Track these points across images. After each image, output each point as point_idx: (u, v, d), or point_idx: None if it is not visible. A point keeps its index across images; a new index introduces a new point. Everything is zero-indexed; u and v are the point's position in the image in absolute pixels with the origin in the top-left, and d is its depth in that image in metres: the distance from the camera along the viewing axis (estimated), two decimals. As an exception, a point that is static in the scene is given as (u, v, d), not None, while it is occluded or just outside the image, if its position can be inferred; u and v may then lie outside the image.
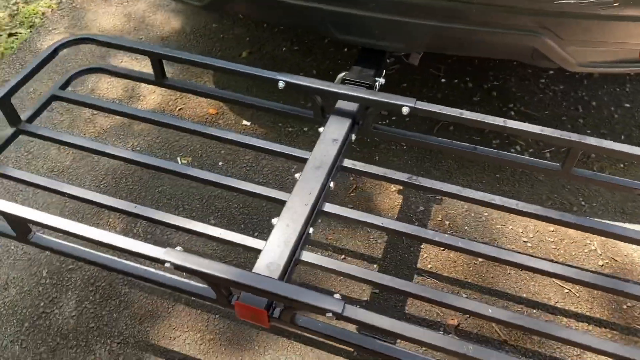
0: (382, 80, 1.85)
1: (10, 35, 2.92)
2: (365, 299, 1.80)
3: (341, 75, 1.84)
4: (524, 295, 1.80)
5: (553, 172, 1.60)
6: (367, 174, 1.62)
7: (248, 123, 2.37)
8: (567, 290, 1.81)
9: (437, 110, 1.57)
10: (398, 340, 1.55)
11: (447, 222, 1.99)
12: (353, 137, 1.71)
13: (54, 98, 1.84)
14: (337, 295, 1.21)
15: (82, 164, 2.22)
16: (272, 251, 1.37)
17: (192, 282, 1.39)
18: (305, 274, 1.86)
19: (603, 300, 1.78)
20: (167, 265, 1.27)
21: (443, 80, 2.50)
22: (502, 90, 2.44)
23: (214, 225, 1.91)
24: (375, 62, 1.87)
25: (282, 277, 1.33)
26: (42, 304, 1.82)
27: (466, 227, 1.97)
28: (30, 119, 1.77)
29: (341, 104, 1.71)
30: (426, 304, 1.78)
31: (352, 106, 1.70)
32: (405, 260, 1.89)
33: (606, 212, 2.00)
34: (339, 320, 1.18)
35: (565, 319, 1.74)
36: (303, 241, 1.43)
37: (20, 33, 2.93)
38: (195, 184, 2.12)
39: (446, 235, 1.46)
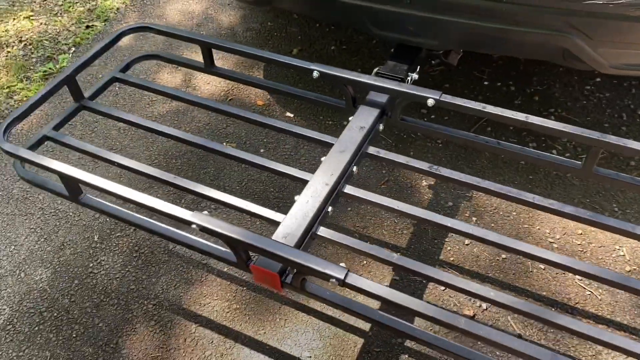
0: (415, 76, 1.92)
1: (87, 27, 3.21)
2: (385, 284, 1.87)
3: (376, 69, 1.93)
4: (544, 293, 1.81)
5: (574, 170, 1.61)
6: (389, 161, 1.70)
7: (291, 115, 2.49)
8: (590, 293, 1.80)
9: (461, 104, 1.63)
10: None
11: (474, 218, 2.03)
12: (381, 127, 1.79)
13: (114, 80, 2.03)
14: (342, 264, 1.30)
15: (139, 144, 2.42)
16: (290, 223, 1.47)
17: (216, 246, 1.51)
18: (330, 255, 1.95)
19: (626, 304, 1.76)
20: (193, 226, 1.40)
21: (486, 82, 2.53)
22: (544, 95, 2.44)
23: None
24: (409, 57, 1.94)
25: (297, 247, 1.43)
26: (91, 264, 2.02)
27: (492, 224, 2.00)
28: (92, 97, 1.97)
29: (371, 95, 1.80)
30: (444, 295, 1.83)
31: (382, 97, 1.78)
32: (429, 251, 1.95)
33: (640, 219, 1.98)
34: (342, 287, 1.26)
35: (584, 320, 1.74)
36: (321, 217, 1.53)
37: (96, 25, 3.21)
38: (237, 168, 2.27)
39: (463, 222, 1.50)
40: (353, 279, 1.26)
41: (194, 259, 2.00)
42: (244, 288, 1.91)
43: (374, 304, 1.76)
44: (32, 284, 1.97)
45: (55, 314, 1.89)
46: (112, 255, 2.03)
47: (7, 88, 2.83)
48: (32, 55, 3.06)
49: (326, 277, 1.26)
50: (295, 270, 1.37)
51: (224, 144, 2.39)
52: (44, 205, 2.22)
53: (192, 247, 1.53)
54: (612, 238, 1.92)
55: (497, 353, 1.66)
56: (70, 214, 2.18)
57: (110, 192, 1.49)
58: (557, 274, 1.85)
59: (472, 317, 1.77)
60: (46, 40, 3.15)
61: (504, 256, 1.91)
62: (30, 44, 3.14)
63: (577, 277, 1.84)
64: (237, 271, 1.95)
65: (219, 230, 1.36)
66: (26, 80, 2.87)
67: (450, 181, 1.63)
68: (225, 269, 1.96)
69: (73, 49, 3.04)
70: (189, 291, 1.91)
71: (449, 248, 1.95)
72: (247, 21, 3.02)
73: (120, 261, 2.01)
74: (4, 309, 1.91)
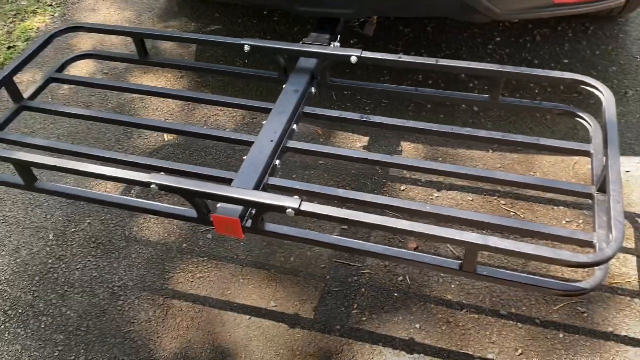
0: (337, 44, 2.11)
1: (9, 47, 3.21)
2: (336, 234, 2.03)
3: (302, 41, 2.10)
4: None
5: (484, 103, 1.85)
6: (325, 117, 1.87)
7: (227, 102, 2.62)
8: (513, 213, 2.04)
9: (380, 57, 1.83)
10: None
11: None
12: (313, 90, 1.96)
13: (51, 80, 2.10)
14: (295, 197, 1.45)
15: (88, 138, 2.47)
16: (243, 178, 1.61)
17: (176, 207, 1.62)
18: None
19: (545, 219, 2.01)
20: (152, 186, 1.51)
21: (401, 54, 2.77)
22: (454, 58, 2.69)
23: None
24: (329, 29, 2.13)
25: (252, 194, 1.56)
26: (50, 261, 2.05)
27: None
28: (32, 97, 2.03)
29: (301, 62, 1.97)
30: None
31: (311, 62, 1.96)
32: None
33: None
34: (299, 214, 1.41)
35: (510, 238, 1.97)
36: (271, 170, 1.67)
37: (18, 45, 3.21)
38: (180, 146, 2.37)
39: (401, 157, 1.70)
40: (307, 207, 1.41)
41: (152, 241, 2.08)
42: (205, 258, 2.01)
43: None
44: (-8, 287, 1.98)
45: (19, 311, 1.92)
46: (70, 249, 2.08)
47: None
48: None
49: (283, 209, 1.41)
50: (254, 211, 1.51)
51: (165, 136, 2.49)
52: (-9, 214, 2.23)
53: (152, 211, 1.64)
54: (526, 167, 2.18)
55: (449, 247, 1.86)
56: (20, 218, 2.20)
57: (67, 168, 1.58)
58: (483, 202, 2.08)
59: (416, 248, 1.96)
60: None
61: (436, 195, 2.12)
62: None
63: (501, 202, 2.07)
64: (196, 244, 2.05)
65: (179, 186, 1.48)
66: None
67: (378, 126, 1.82)
68: (184, 245, 2.06)
69: (-3, 69, 3.04)
70: (151, 269, 2.00)
71: (387, 196, 2.14)
72: (170, 25, 3.12)
73: (79, 253, 2.07)
74: (-34, 314, 1.91)
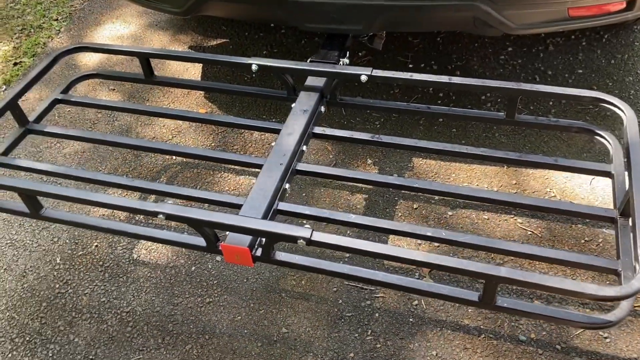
0: (346, 60, 2.06)
1: (15, 64, 3.19)
2: (348, 262, 1.98)
3: (310, 58, 2.06)
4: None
5: (499, 120, 1.80)
6: (335, 137, 1.82)
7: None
8: (531, 232, 1.98)
9: (391, 75, 1.78)
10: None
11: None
12: (322, 109, 1.91)
13: (56, 101, 2.07)
14: (306, 225, 1.40)
15: (87, 166, 2.44)
16: (252, 203, 1.57)
17: (184, 235, 1.58)
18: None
19: (564, 238, 1.95)
20: (160, 216, 1.47)
21: (411, 65, 2.72)
22: (465, 69, 2.65)
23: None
24: (338, 45, 2.09)
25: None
26: (57, 285, 2.02)
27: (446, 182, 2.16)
28: (37, 120, 2.00)
29: (309, 81, 1.92)
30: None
31: (320, 81, 1.91)
32: (383, 216, 2.08)
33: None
34: (310, 245, 1.37)
35: (526, 260, 1.91)
36: (280, 194, 1.63)
37: (24, 62, 3.19)
38: (189, 174, 2.33)
39: (412, 179, 1.64)
40: (319, 237, 1.36)
41: (160, 264, 2.04)
42: (215, 281, 1.97)
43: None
44: (-1, 314, 1.95)
45: (27, 338, 1.88)
46: (78, 274, 2.05)
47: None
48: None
49: (294, 239, 1.36)
50: (264, 241, 1.46)
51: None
52: (-3, 237, 2.20)
53: (160, 239, 1.60)
54: (542, 183, 2.12)
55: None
56: (28, 241, 2.17)
57: (72, 198, 1.54)
58: (499, 221, 2.02)
59: (431, 270, 1.91)
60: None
61: (450, 214, 2.07)
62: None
63: (518, 220, 2.01)
64: (205, 267, 2.01)
65: (186, 215, 1.44)
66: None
67: (390, 146, 1.77)
68: (193, 268, 2.02)
69: (4, 87, 3.02)
70: (160, 294, 1.96)
71: (399, 214, 2.09)
72: (177, 38, 3.10)
73: (87, 278, 2.03)
74: (-27, 343, 1.88)
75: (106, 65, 2.95)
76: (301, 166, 1.72)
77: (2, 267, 2.10)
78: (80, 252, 2.11)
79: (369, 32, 2.11)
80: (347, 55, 2.10)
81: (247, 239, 1.46)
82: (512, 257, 1.79)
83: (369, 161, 2.30)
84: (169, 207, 1.46)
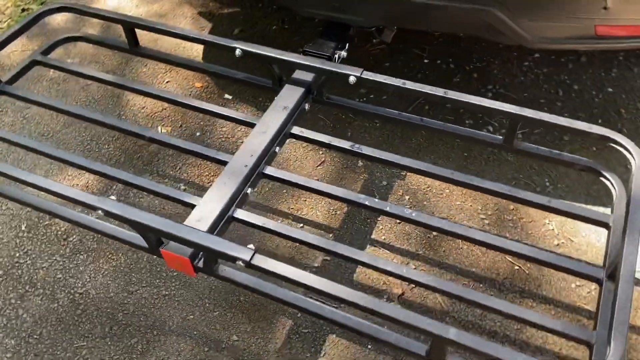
0: (343, 54, 1.88)
1: (23, 10, 3.09)
2: (316, 265, 1.85)
3: (304, 47, 1.89)
4: (474, 269, 1.81)
5: (495, 145, 1.61)
6: (313, 141, 1.67)
7: (230, 97, 2.44)
8: (517, 267, 1.81)
9: (382, 80, 1.60)
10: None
11: (407, 197, 2.01)
12: (307, 106, 1.75)
13: (35, 63, 1.96)
14: (250, 246, 1.27)
15: (70, 130, 2.35)
16: (205, 207, 1.44)
17: (126, 231, 1.47)
18: (266, 240, 1.92)
19: (552, 278, 1.78)
20: (99, 212, 1.36)
21: (426, 60, 2.51)
22: (483, 72, 2.43)
23: (184, 190, 2.01)
24: (337, 35, 1.90)
25: (211, 231, 1.39)
26: (17, 254, 1.95)
27: (425, 202, 1.99)
28: (11, 81, 1.89)
29: (297, 74, 1.76)
30: (374, 274, 1.82)
31: (308, 76, 1.74)
32: (361, 231, 1.93)
33: (570, 193, 1.98)
34: (249, 268, 1.24)
35: (511, 295, 1.75)
36: (239, 200, 1.49)
37: (32, 8, 3.09)
38: (171, 152, 2.21)
39: (390, 204, 1.48)
40: (259, 260, 1.23)
41: (123, 247, 1.94)
42: (175, 273, 1.87)
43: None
44: (-46, 277, 1.90)
45: (-23, 307, 1.83)
46: (40, 245, 1.97)
47: (-64, 74, 2.72)
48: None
49: (233, 259, 1.24)
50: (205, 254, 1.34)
51: (159, 127, 2.33)
52: (-31, 195, 2.14)
53: (101, 232, 1.49)
54: (542, 214, 1.93)
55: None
56: (-4, 203, 2.11)
57: (16, 178, 1.44)
58: (486, 250, 1.85)
59: (401, 295, 1.76)
60: (-19, 21, 3.03)
61: (434, 234, 1.90)
62: (-38, 28, 3.02)
63: (507, 255, 1.84)
64: (167, 257, 1.91)
65: (126, 216, 1.32)
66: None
67: (370, 159, 1.61)
68: (155, 256, 1.91)
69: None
70: (117, 279, 1.87)
71: (381, 227, 1.93)
72: (181, 12, 2.94)
73: (48, 250, 1.96)
74: None
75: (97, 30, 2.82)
76: (269, 170, 1.58)
77: (-33, 226, 2.04)
78: (47, 222, 2.04)
79: (371, 26, 1.91)
80: (346, 48, 1.91)
81: (189, 249, 1.34)
82: (478, 308, 1.61)
83: (360, 163, 2.14)
84: (111, 203, 1.34)
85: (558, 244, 1.86)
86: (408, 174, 2.08)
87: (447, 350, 1.17)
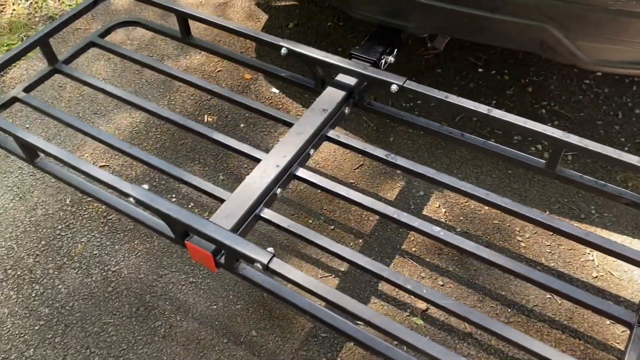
0: (390, 59, 1.85)
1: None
2: (343, 269, 1.84)
3: (352, 50, 1.86)
4: (503, 292, 1.76)
5: (537, 169, 1.54)
6: (348, 146, 1.65)
7: (277, 91, 2.45)
8: (550, 296, 1.74)
9: (424, 91, 1.57)
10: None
11: (443, 210, 1.97)
12: (347, 110, 1.73)
13: (91, 44, 2.03)
14: (270, 249, 1.28)
15: (122, 110, 2.42)
16: (233, 203, 1.45)
17: (156, 220, 1.50)
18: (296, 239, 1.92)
19: (585, 312, 1.70)
20: (130, 199, 1.40)
21: (480, 70, 2.44)
22: (539, 86, 2.33)
23: (222, 180, 2.04)
24: (387, 40, 1.87)
25: (235, 229, 1.40)
26: (59, 227, 2.04)
27: (461, 218, 1.94)
28: (67, 61, 1.97)
29: (340, 77, 1.74)
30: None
31: (350, 80, 1.72)
32: (392, 240, 1.91)
33: (617, 224, 1.89)
34: (267, 271, 1.24)
35: (539, 324, 1.68)
36: (267, 200, 1.50)
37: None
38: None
39: (419, 219, 1.44)
40: (277, 265, 1.24)
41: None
42: (200, 266, 1.90)
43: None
44: (1, 241, 2.01)
45: (19, 272, 1.93)
46: (81, 220, 2.06)
47: (6, 46, 2.87)
48: (36, 15, 3.08)
49: (251, 260, 1.25)
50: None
51: (205, 116, 2.37)
52: (23, 164, 2.25)
53: (133, 218, 1.53)
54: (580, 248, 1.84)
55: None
56: (48, 176, 2.21)
57: (60, 159, 1.50)
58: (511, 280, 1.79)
59: (424, 311, 1.73)
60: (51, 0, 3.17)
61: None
62: (35, 3, 3.16)
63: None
64: (198, 245, 1.95)
65: (155, 206, 1.35)
66: (26, 39, 2.88)
67: (403, 170, 1.58)
68: (188, 242, 1.96)
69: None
70: (149, 260, 1.93)
71: (412, 238, 1.90)
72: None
73: (88, 226, 2.04)
74: (-29, 264, 1.96)
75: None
76: (301, 172, 1.58)
77: (18, 194, 2.15)
78: (90, 199, 2.12)
79: (423, 33, 1.87)
80: (395, 53, 1.88)
81: (212, 245, 1.36)
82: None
83: (398, 170, 2.10)
84: (142, 192, 1.38)
85: (597, 277, 1.77)
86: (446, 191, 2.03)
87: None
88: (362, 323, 1.27)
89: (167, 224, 1.40)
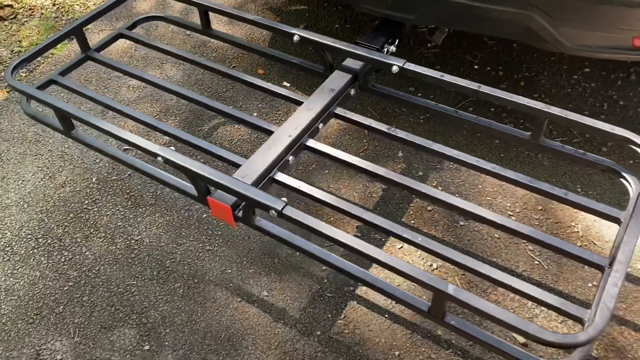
0: (392, 48, 2.04)
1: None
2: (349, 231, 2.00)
3: (357, 39, 2.05)
4: (495, 259, 1.91)
5: (523, 140, 1.71)
6: (354, 122, 1.83)
7: (288, 84, 2.64)
8: (538, 262, 1.89)
9: (422, 72, 1.75)
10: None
11: (439, 188, 2.13)
12: (352, 91, 1.92)
13: (120, 35, 2.23)
14: (283, 199, 1.44)
15: (143, 101, 2.62)
16: (250, 166, 1.63)
17: (180, 180, 1.68)
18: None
19: (570, 276, 1.85)
20: (159, 159, 1.57)
21: (476, 66, 2.62)
22: (531, 81, 2.51)
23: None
24: (389, 31, 2.06)
25: (254, 186, 1.57)
26: (86, 202, 2.22)
27: (457, 195, 2.11)
28: (98, 49, 2.17)
29: (347, 62, 1.93)
30: (405, 244, 1.95)
31: (356, 64, 1.91)
32: (393, 213, 2.07)
33: (600, 201, 2.04)
34: (280, 217, 1.41)
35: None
36: (281, 165, 1.67)
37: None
38: (229, 129, 2.43)
39: (416, 181, 1.61)
40: (290, 211, 1.40)
41: (178, 204, 2.17)
42: (219, 232, 2.07)
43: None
44: (33, 214, 2.18)
45: (49, 241, 2.10)
46: (106, 195, 2.23)
47: (35, 45, 3.08)
48: (63, 18, 3.30)
49: (267, 207, 1.41)
50: (244, 203, 1.53)
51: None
52: (53, 147, 2.43)
53: (158, 178, 1.71)
54: (569, 216, 2.00)
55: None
56: (75, 157, 2.39)
57: (94, 125, 1.68)
58: (509, 243, 1.95)
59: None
60: (77, 4, 3.39)
61: (462, 223, 2.01)
62: (62, 7, 3.39)
63: (529, 247, 1.93)
64: (214, 219, 2.12)
65: (182, 164, 1.53)
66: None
67: (404, 142, 1.75)
68: (205, 215, 2.13)
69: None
70: (168, 231, 2.09)
71: (411, 212, 2.06)
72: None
73: (113, 201, 2.21)
74: (6, 234, 2.13)
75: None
76: (311, 142, 1.75)
77: (48, 174, 2.33)
78: (114, 177, 2.30)
79: (422, 24, 2.06)
80: (396, 43, 2.07)
81: (232, 199, 1.53)
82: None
83: (400, 154, 2.28)
84: (170, 152, 1.56)
85: (581, 246, 1.92)
86: (443, 167, 2.20)
87: (446, 306, 1.30)
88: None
89: (191, 180, 1.57)
